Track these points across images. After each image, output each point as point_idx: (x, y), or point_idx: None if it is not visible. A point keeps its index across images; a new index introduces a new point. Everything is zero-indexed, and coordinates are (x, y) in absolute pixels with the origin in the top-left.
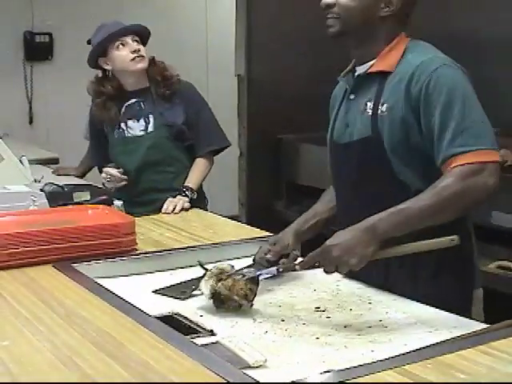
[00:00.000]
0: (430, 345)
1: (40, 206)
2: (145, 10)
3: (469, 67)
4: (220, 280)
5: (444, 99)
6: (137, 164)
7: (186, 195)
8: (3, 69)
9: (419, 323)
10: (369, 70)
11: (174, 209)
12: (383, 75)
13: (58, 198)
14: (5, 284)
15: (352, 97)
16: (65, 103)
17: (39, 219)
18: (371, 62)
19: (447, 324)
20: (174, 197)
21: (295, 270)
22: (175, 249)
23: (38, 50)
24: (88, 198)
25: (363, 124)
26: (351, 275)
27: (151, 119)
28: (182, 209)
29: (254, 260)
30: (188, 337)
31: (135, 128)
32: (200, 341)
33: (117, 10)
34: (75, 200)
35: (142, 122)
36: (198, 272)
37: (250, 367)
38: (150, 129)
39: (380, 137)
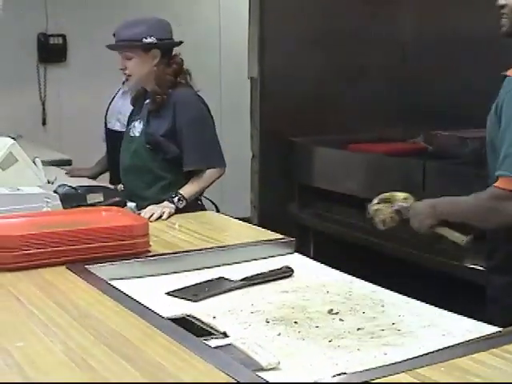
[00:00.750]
0: (444, 348)
1: (53, 208)
2: (158, 13)
3: None
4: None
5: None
6: (124, 164)
7: (173, 202)
8: (17, 70)
9: (432, 326)
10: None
11: (152, 216)
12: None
13: (72, 199)
14: (19, 285)
15: None
16: (78, 105)
17: (53, 221)
18: None
19: (461, 327)
20: (162, 202)
21: None
22: (188, 251)
23: (51, 51)
24: (101, 199)
25: None
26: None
27: (141, 124)
28: (160, 217)
29: None
30: (201, 339)
31: (136, 128)
32: (213, 343)
33: (131, 12)
34: (89, 202)
35: (141, 124)
36: (211, 274)
37: (263, 369)
38: (137, 133)
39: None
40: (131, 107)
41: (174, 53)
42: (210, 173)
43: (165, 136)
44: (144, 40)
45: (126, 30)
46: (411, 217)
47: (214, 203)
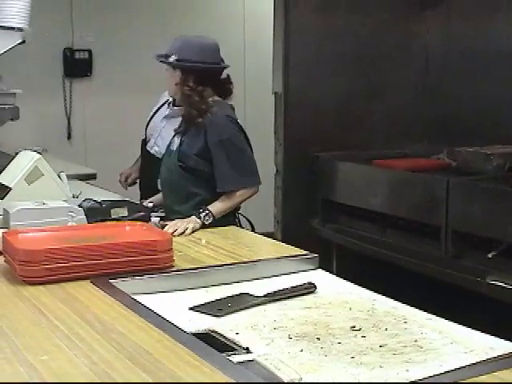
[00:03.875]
0: (466, 365)
1: (78, 222)
2: (184, 27)
3: None
4: None
5: None
6: (162, 178)
7: (200, 217)
8: (43, 85)
9: (455, 343)
10: None
11: (175, 231)
12: None
13: (96, 213)
14: (43, 299)
15: None
16: (103, 119)
17: (77, 235)
18: None
19: (483, 344)
20: (189, 216)
21: None
22: (212, 266)
23: (77, 66)
24: (126, 214)
25: None
26: None
27: (179, 140)
28: (184, 232)
29: None
30: (224, 354)
31: (175, 143)
32: (236, 358)
33: (156, 29)
34: (113, 216)
35: (179, 140)
36: (234, 290)
37: None
38: (174, 148)
39: None
40: (172, 133)
41: (223, 76)
42: (239, 193)
43: (198, 155)
44: (169, 58)
45: (171, 43)
46: None
47: (249, 221)
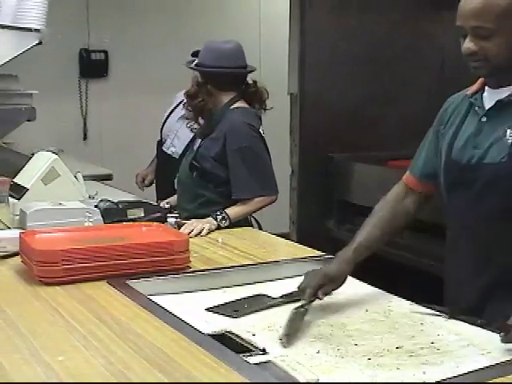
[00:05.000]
0: (483, 367)
1: (95, 223)
2: (199, 29)
3: None
4: None
5: None
6: (179, 175)
7: (216, 219)
8: (59, 85)
9: (471, 345)
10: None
11: (192, 232)
12: None
13: (113, 214)
14: (60, 299)
15: (484, 119)
16: (119, 119)
17: (94, 236)
18: (508, 88)
19: (500, 346)
20: (201, 216)
21: None
22: (228, 267)
23: (93, 67)
24: (142, 215)
25: (499, 150)
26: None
27: (199, 141)
28: (200, 233)
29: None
30: (240, 355)
31: (197, 143)
32: (252, 360)
33: (172, 30)
34: (129, 217)
35: (199, 141)
36: (250, 290)
37: None
38: (195, 148)
39: None
40: (189, 133)
41: (249, 81)
42: (257, 200)
43: (215, 158)
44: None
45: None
46: None
47: (257, 221)
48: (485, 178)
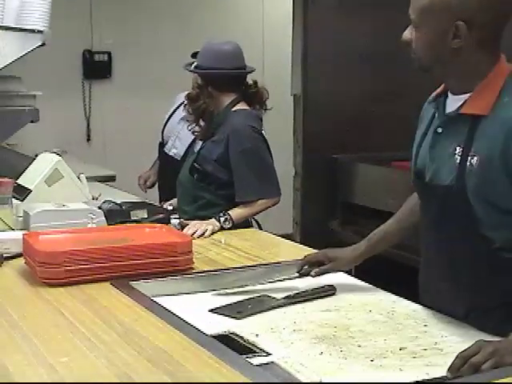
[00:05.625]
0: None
1: (98, 224)
2: (202, 29)
3: None
4: None
5: None
6: (179, 177)
7: (219, 221)
8: (63, 87)
9: None
10: (460, 111)
11: (195, 233)
12: (476, 118)
13: (116, 215)
14: (63, 301)
15: (440, 130)
16: (122, 121)
17: (97, 237)
18: (464, 96)
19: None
20: (201, 218)
21: None
22: (231, 268)
23: (96, 68)
24: (145, 216)
25: (449, 169)
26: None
27: (201, 142)
28: (203, 234)
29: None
30: (244, 356)
31: (198, 145)
32: (255, 361)
33: (175, 33)
34: (133, 218)
35: (201, 142)
36: (253, 292)
37: None
38: (195, 150)
39: (465, 189)
40: (190, 135)
41: (248, 82)
42: (260, 202)
43: (217, 161)
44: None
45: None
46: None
47: (257, 222)
48: (437, 201)
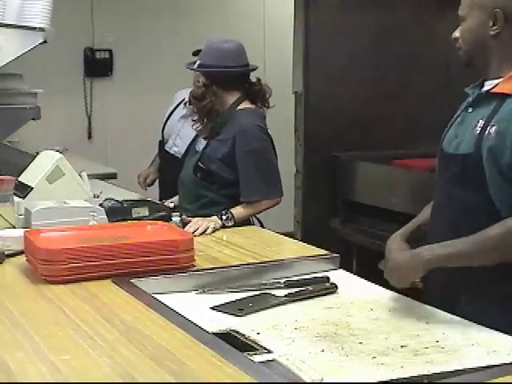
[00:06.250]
0: (487, 366)
1: (99, 222)
2: (203, 30)
3: None
4: None
5: None
6: (181, 176)
7: (221, 219)
8: (64, 84)
9: (476, 345)
10: (491, 90)
11: (196, 230)
12: (503, 97)
13: (117, 213)
14: (64, 298)
15: (470, 110)
16: (123, 118)
17: (98, 234)
18: (497, 80)
19: (505, 346)
20: (203, 216)
21: None
22: (233, 265)
23: (98, 66)
24: (146, 213)
25: (469, 140)
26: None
27: (205, 141)
28: (205, 231)
29: None
30: (245, 354)
31: (201, 144)
32: (257, 358)
33: (178, 29)
34: (134, 216)
35: (205, 141)
36: (255, 289)
37: None
38: (199, 149)
39: (481, 156)
40: (191, 132)
41: (252, 80)
42: (263, 202)
43: (222, 160)
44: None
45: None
46: (387, 271)
47: (259, 220)
48: (454, 169)
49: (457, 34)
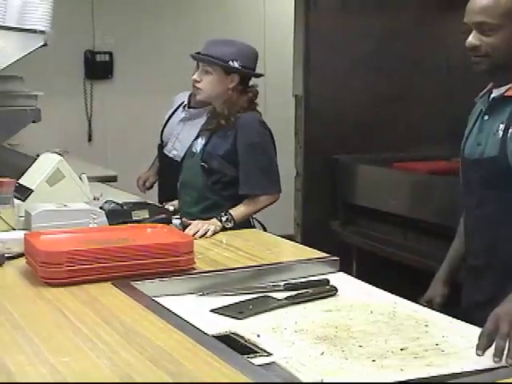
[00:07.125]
0: (487, 369)
1: (99, 224)
2: (203, 31)
3: None
4: None
5: None
6: (181, 179)
7: (221, 220)
8: (64, 87)
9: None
10: (505, 93)
11: (196, 233)
12: None
13: (117, 215)
14: (64, 301)
15: (486, 117)
16: (123, 121)
17: (99, 237)
18: (508, 86)
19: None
20: (205, 219)
21: None
22: (233, 268)
23: (98, 68)
24: (147, 216)
25: (493, 144)
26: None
27: (203, 141)
28: (205, 234)
29: None
30: (245, 356)
31: (198, 145)
32: (257, 361)
33: (178, 33)
34: (134, 218)
35: (203, 140)
36: (255, 292)
37: None
38: (198, 150)
39: (506, 157)
40: (190, 136)
41: (251, 83)
42: (263, 198)
43: (223, 157)
44: (229, 62)
45: (216, 46)
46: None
47: (261, 224)
48: (485, 171)
49: (474, 41)
